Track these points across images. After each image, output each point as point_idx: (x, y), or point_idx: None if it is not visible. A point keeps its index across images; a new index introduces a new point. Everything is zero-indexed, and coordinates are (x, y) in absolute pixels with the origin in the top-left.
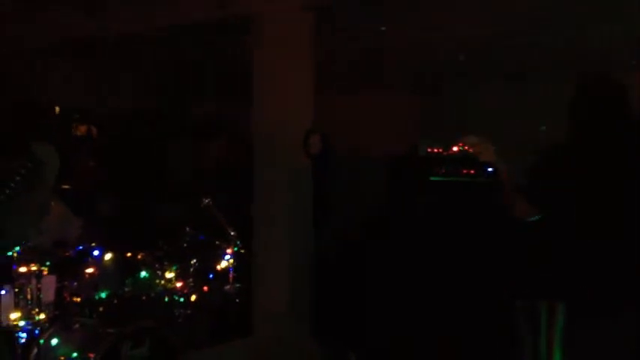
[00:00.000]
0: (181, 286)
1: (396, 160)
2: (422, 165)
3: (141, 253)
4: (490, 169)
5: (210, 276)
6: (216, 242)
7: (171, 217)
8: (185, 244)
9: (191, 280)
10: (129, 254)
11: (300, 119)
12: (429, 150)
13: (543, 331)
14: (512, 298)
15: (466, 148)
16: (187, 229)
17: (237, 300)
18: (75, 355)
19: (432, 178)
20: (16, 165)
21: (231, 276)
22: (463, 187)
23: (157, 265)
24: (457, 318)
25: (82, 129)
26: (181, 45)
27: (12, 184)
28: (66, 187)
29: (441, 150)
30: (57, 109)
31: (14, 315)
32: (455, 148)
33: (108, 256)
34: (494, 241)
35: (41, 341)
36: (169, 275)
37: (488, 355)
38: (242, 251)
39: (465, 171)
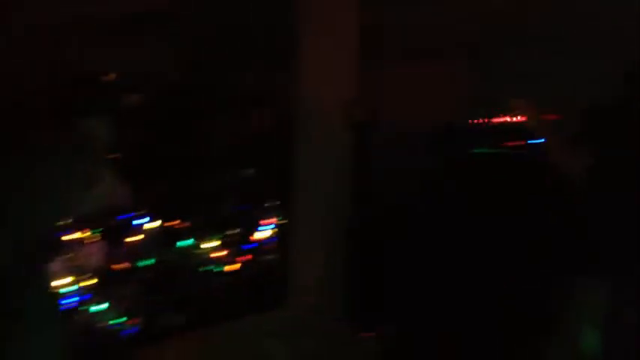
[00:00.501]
0: (221, 256)
1: (440, 132)
2: (466, 136)
3: (184, 222)
4: (536, 141)
5: (250, 247)
6: (256, 213)
7: (213, 186)
8: (226, 215)
9: (231, 250)
10: (173, 223)
11: (344, 89)
12: (474, 121)
13: (581, 310)
14: (548, 277)
15: (512, 119)
16: (228, 199)
17: (275, 271)
18: (120, 320)
19: (476, 150)
20: (66, 140)
21: (269, 247)
22: (507, 159)
23: (198, 235)
24: (495, 298)
25: (132, 98)
26: (225, 14)
27: (61, 160)
28: (114, 155)
29: (486, 121)
30: (111, 76)
31: (63, 280)
32: (500, 119)
33: (153, 225)
34: (536, 216)
35: (89, 306)
36: (210, 245)
37: (528, 334)
38: (281, 223)
39: (510, 143)
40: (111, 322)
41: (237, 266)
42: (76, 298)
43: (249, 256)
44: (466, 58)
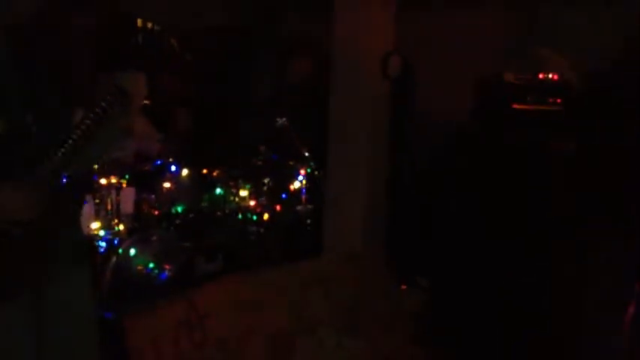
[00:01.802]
0: (254, 205)
1: (480, 87)
2: (507, 92)
3: (217, 170)
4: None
5: (284, 196)
6: (290, 162)
7: (248, 135)
8: (260, 163)
9: (264, 198)
10: (205, 171)
11: (381, 39)
12: (515, 77)
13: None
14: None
15: (552, 76)
16: (262, 148)
17: (309, 220)
18: (151, 265)
19: (517, 106)
20: (101, 96)
21: (304, 197)
22: (548, 115)
23: (231, 183)
24: (528, 249)
25: (170, 44)
26: None
27: (95, 114)
28: (147, 102)
29: (527, 77)
30: (150, 25)
31: (95, 225)
32: (541, 76)
33: (185, 172)
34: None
35: (120, 251)
36: (243, 193)
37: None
38: (316, 172)
39: (551, 100)
40: (143, 265)
41: (272, 215)
42: (109, 242)
43: (284, 206)
44: (505, 10)
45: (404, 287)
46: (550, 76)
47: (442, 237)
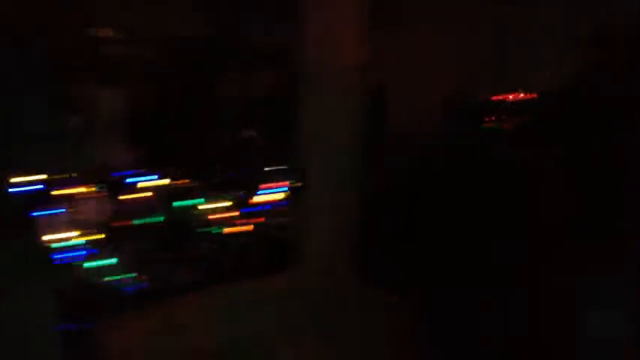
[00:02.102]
0: (231, 216)
1: (452, 104)
2: (478, 110)
3: (193, 181)
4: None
5: (259, 208)
6: (266, 176)
7: (222, 147)
8: (235, 175)
9: (241, 210)
10: (181, 181)
11: (353, 53)
12: (487, 96)
13: None
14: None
15: (521, 94)
16: (238, 160)
17: (286, 233)
18: (127, 276)
19: (483, 126)
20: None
21: (279, 209)
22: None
23: (208, 194)
24: (508, 259)
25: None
26: None
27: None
28: (118, 111)
29: (496, 97)
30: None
31: (69, 234)
32: (511, 96)
33: (161, 181)
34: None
35: (94, 262)
36: (220, 204)
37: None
38: (294, 185)
39: (519, 117)
40: (113, 277)
41: (248, 227)
42: (78, 252)
43: (261, 218)
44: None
45: (383, 298)
46: (520, 95)
47: (415, 250)
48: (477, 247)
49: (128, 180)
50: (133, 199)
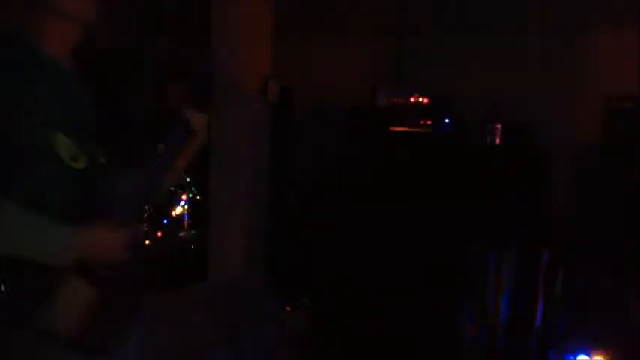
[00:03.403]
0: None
1: (356, 110)
2: (381, 115)
3: None
4: (447, 121)
5: (165, 222)
6: (171, 188)
7: (127, 159)
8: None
9: (145, 225)
10: None
11: (259, 64)
12: (388, 100)
13: (492, 278)
14: (463, 248)
15: (422, 99)
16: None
17: (192, 246)
18: None
19: (392, 129)
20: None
21: (185, 222)
22: (421, 137)
23: None
24: (410, 267)
25: None
26: None
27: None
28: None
29: (400, 100)
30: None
31: None
32: (412, 99)
33: None
34: (450, 192)
35: None
36: None
37: (439, 301)
38: (197, 197)
39: (422, 121)
40: None
41: (154, 241)
42: None
43: (166, 232)
44: (383, 37)
45: (287, 308)
46: (420, 99)
47: (323, 257)
48: (384, 256)
49: None
50: None
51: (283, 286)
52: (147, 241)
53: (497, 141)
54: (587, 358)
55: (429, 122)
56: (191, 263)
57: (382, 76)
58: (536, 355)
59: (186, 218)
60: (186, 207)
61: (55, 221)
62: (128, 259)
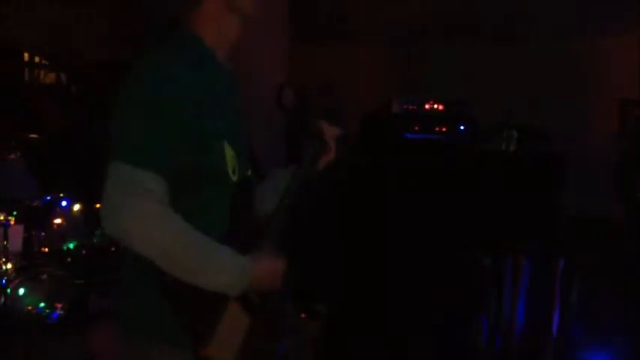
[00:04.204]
0: None
1: (370, 117)
2: (395, 122)
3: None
4: (462, 127)
5: None
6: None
7: None
8: None
9: None
10: (97, 205)
11: (274, 71)
12: (404, 107)
13: (508, 287)
14: (479, 256)
15: (437, 105)
16: None
17: None
18: (42, 304)
19: (406, 136)
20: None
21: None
22: (435, 144)
23: None
24: (425, 275)
25: (51, 76)
26: None
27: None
28: (33, 136)
29: (414, 107)
30: (26, 55)
31: None
32: (427, 106)
33: (76, 207)
34: (465, 199)
35: (8, 291)
36: None
37: (454, 309)
38: None
39: (437, 128)
40: (33, 305)
41: None
42: None
43: None
44: (397, 45)
45: (303, 316)
46: (435, 105)
47: (338, 264)
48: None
49: (48, 206)
50: (57, 224)
51: (299, 293)
52: None
53: (513, 147)
54: None
55: (443, 129)
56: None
57: (397, 83)
58: None
59: None
60: None
61: (232, 251)
62: (280, 286)
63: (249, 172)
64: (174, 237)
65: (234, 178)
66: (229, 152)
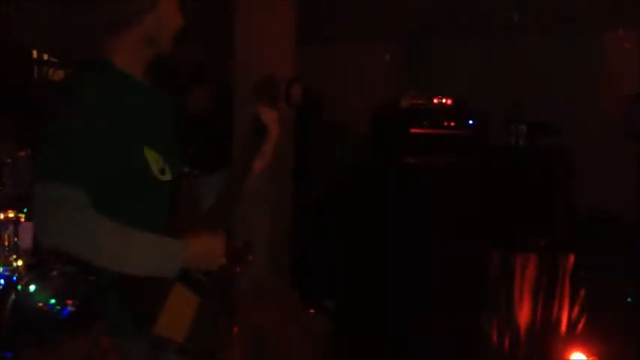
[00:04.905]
0: None
1: (378, 112)
2: (404, 117)
3: None
4: (471, 122)
5: None
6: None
7: None
8: None
9: None
10: None
11: (282, 68)
12: (412, 102)
13: (517, 282)
14: (487, 251)
15: (445, 100)
16: None
17: None
18: (53, 301)
19: (414, 131)
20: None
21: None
22: (444, 139)
23: None
24: (434, 271)
25: (60, 74)
26: None
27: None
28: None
29: (422, 102)
30: (34, 52)
31: None
32: (435, 100)
33: None
34: (473, 194)
35: (19, 287)
36: None
37: (462, 304)
38: None
39: (445, 123)
40: (44, 302)
41: None
42: (7, 278)
43: None
44: (403, 42)
45: (312, 311)
46: (444, 100)
47: (346, 260)
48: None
49: None
50: None
51: (307, 289)
52: None
53: (522, 142)
54: None
55: (452, 124)
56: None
57: (405, 78)
58: None
59: None
60: None
61: (159, 235)
62: (223, 265)
63: (187, 169)
64: (96, 232)
65: (165, 177)
66: (151, 155)
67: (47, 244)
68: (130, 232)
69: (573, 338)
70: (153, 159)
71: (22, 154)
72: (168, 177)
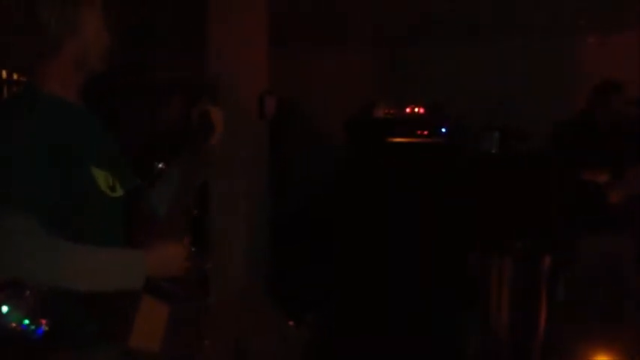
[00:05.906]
0: None
1: (352, 122)
2: (378, 127)
3: None
4: (443, 130)
5: None
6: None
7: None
8: None
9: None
10: None
11: (255, 80)
12: (385, 112)
13: (494, 284)
14: (464, 255)
15: (418, 109)
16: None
17: (197, 262)
18: (26, 322)
19: (388, 140)
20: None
21: (186, 240)
22: (418, 147)
23: None
24: (413, 276)
25: None
26: (133, 3)
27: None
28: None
29: (395, 112)
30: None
31: None
32: (408, 110)
33: None
34: (449, 200)
35: None
36: None
37: (442, 309)
38: (197, 215)
39: (419, 132)
40: (17, 322)
41: None
42: None
43: None
44: (380, 48)
45: (291, 323)
46: (416, 110)
47: (325, 272)
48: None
49: None
50: None
51: (286, 301)
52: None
53: (494, 149)
54: None
55: (425, 132)
56: (192, 280)
57: (379, 88)
58: None
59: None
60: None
61: (118, 249)
62: (188, 270)
63: (138, 182)
64: (54, 256)
65: (116, 194)
66: (99, 173)
67: (5, 274)
68: (89, 250)
69: (552, 339)
70: (101, 177)
71: None
72: (119, 193)
